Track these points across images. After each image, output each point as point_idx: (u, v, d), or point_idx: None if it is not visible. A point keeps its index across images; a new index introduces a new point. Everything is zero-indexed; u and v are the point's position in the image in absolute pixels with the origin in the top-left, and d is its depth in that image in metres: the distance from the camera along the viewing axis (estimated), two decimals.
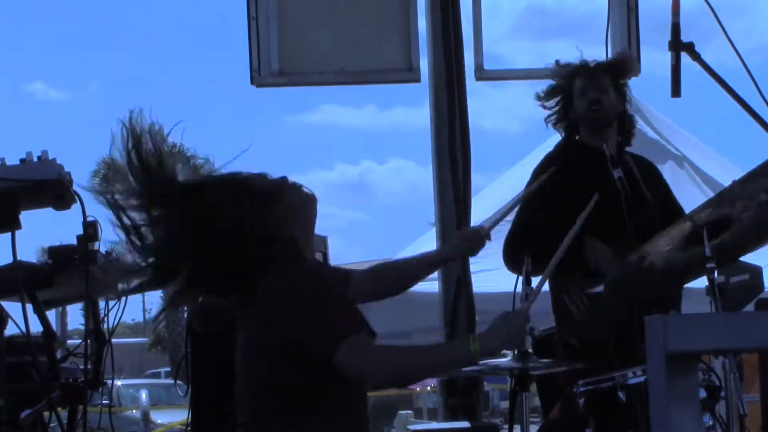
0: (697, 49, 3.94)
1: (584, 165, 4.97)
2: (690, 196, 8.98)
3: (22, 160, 3.65)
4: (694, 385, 1.83)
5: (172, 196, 3.35)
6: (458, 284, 6.93)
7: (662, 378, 1.73)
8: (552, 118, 5.22)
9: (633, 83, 9.71)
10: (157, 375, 32.08)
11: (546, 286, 4.72)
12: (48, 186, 3.68)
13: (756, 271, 5.51)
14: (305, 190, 3.56)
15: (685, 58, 3.96)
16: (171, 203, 3.35)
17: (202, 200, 3.37)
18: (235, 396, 3.59)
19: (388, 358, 3.41)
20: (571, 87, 5.17)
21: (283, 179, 3.53)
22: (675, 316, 1.75)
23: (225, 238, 3.35)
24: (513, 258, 4.98)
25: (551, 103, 5.22)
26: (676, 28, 3.92)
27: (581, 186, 4.74)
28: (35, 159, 3.63)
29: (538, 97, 5.26)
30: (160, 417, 17.68)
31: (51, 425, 4.58)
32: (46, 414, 4.45)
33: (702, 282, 4.49)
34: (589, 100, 5.10)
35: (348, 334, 3.31)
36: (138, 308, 52.34)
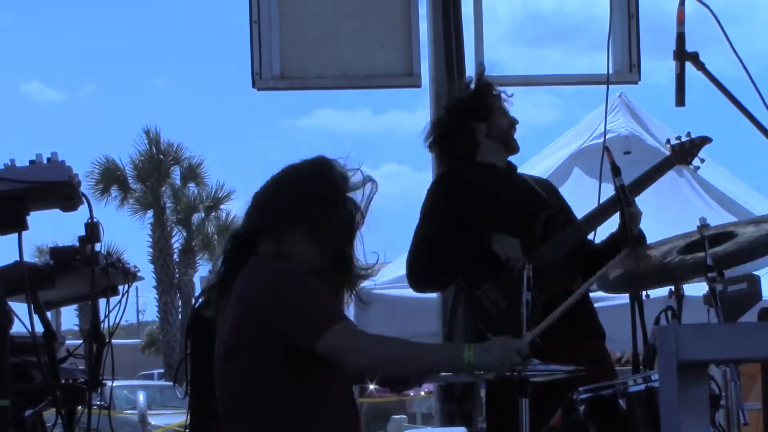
0: None
1: (485, 180, 5.08)
2: (689, 203, 9.01)
3: (32, 162, 3.67)
4: (705, 393, 1.85)
5: None
6: (457, 289, 6.93)
7: (674, 386, 1.74)
8: (456, 135, 5.15)
9: (631, 90, 9.73)
10: (150, 377, 32.07)
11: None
12: (57, 187, 3.70)
13: (753, 280, 5.52)
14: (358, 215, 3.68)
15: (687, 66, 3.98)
16: None
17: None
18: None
19: (375, 346, 3.45)
20: (478, 105, 5.14)
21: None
22: (687, 325, 1.77)
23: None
24: (420, 278, 5.21)
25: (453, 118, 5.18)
26: (681, 38, 3.94)
27: (487, 198, 4.98)
28: (45, 160, 3.65)
29: (447, 110, 5.26)
30: (154, 419, 17.68)
31: (48, 425, 4.59)
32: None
33: (700, 290, 4.51)
34: (511, 121, 5.15)
35: (335, 321, 3.36)
36: (132, 310, 52.35)
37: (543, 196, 5.18)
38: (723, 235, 4.29)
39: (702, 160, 5.24)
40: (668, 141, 5.32)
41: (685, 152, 5.24)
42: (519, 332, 4.61)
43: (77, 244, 4.35)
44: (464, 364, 3.47)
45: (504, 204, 5.03)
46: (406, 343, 3.60)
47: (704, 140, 5.22)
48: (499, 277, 4.93)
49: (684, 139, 5.24)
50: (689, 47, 3.94)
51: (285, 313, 3.42)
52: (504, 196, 5.06)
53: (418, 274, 5.16)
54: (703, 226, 4.17)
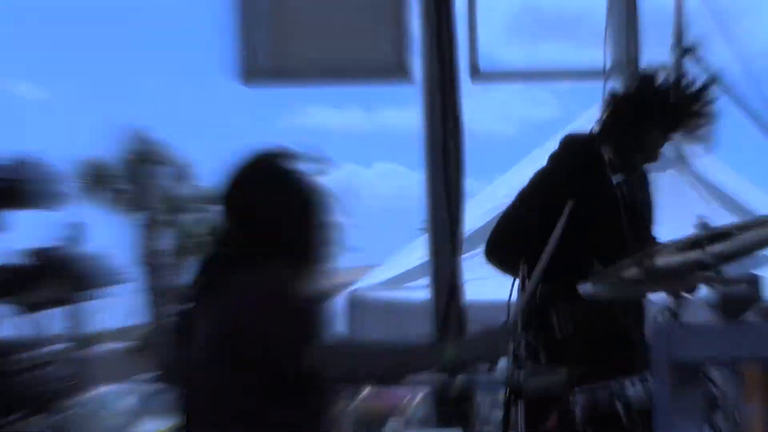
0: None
1: (610, 183, 4.89)
2: (690, 202, 8.98)
3: (9, 161, 3.65)
4: (698, 394, 1.81)
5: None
6: (450, 292, 6.84)
7: (667, 387, 1.71)
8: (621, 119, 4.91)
9: None
10: (139, 380, 32.11)
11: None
12: (35, 187, 3.67)
13: (753, 280, 5.46)
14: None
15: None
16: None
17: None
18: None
19: (350, 358, 3.41)
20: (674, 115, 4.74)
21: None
22: (681, 326, 1.72)
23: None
24: (494, 258, 4.90)
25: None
26: (679, 31, 3.91)
27: (604, 203, 4.76)
28: (26, 160, 3.64)
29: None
30: (143, 423, 17.66)
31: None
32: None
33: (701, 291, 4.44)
34: (659, 154, 4.90)
35: (306, 343, 3.31)
36: (120, 313, 52.43)
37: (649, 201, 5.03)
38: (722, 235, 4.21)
39: None
40: None
41: None
42: (571, 363, 4.48)
43: (62, 245, 4.33)
44: (449, 364, 3.42)
45: (624, 210, 4.82)
46: (381, 352, 3.51)
47: None
48: (579, 302, 4.74)
49: None
50: (692, 42, 3.90)
51: (268, 330, 3.35)
52: (626, 202, 4.84)
53: (494, 254, 4.86)
54: (702, 224, 4.10)
